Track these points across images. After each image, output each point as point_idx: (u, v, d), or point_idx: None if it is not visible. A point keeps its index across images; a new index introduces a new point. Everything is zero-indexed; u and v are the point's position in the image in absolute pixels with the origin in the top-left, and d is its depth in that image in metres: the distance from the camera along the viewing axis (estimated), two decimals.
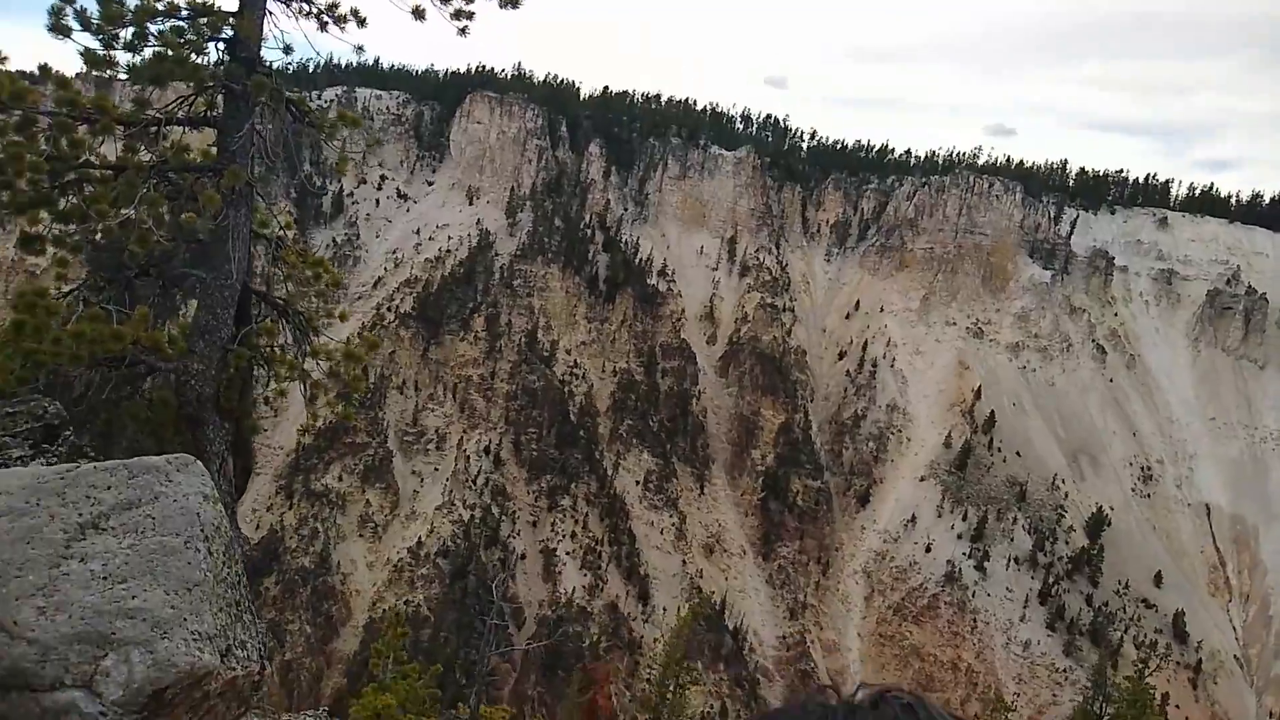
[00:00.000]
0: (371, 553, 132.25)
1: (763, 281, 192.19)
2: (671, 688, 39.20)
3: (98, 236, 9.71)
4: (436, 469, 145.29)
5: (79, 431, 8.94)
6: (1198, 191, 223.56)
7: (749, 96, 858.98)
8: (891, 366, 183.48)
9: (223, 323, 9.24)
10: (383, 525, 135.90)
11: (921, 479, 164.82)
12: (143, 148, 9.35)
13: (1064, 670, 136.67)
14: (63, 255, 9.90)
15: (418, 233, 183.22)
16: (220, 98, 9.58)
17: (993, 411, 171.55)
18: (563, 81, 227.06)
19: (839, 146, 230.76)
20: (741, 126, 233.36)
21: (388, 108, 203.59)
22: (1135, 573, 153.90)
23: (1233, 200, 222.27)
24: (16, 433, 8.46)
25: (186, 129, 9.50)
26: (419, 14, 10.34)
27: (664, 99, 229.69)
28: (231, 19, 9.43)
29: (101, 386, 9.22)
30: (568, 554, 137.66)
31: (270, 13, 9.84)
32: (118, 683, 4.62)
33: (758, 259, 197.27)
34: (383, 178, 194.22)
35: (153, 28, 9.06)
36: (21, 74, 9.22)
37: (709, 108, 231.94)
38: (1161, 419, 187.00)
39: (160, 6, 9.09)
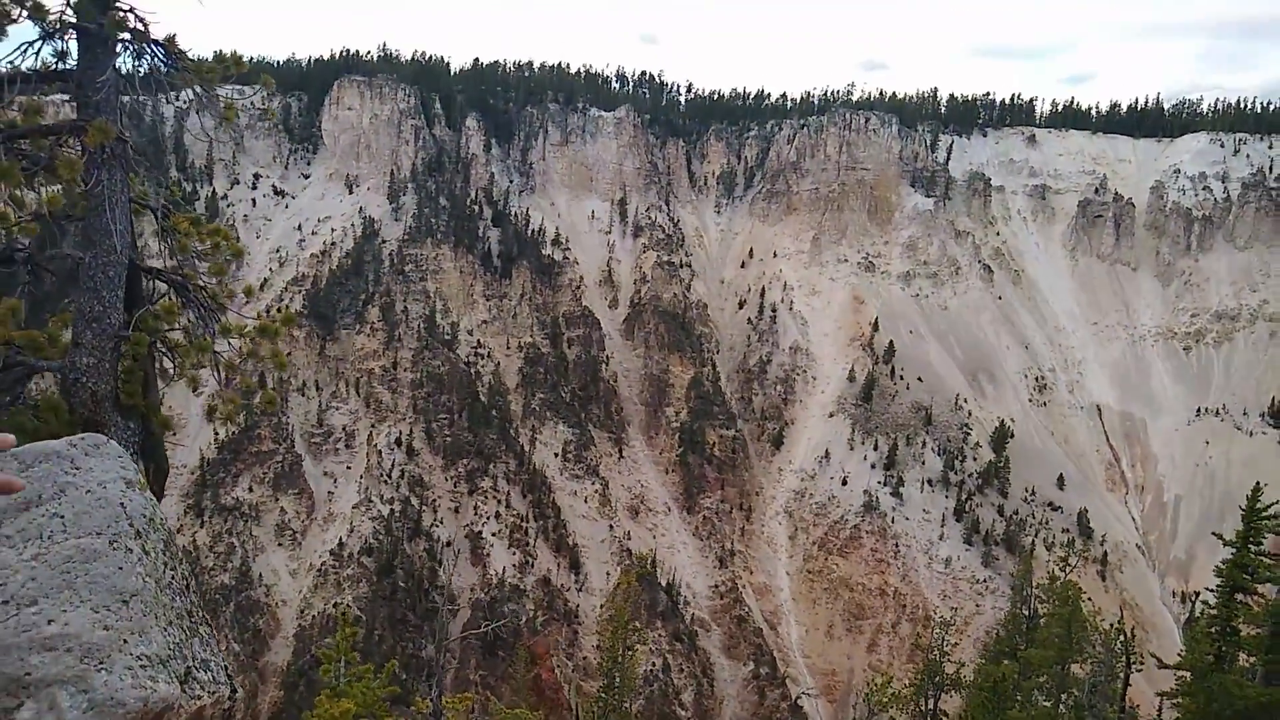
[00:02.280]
0: (293, 560, 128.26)
1: (657, 240, 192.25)
2: (620, 650, 38.94)
3: None
4: (349, 467, 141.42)
5: None
6: (1061, 107, 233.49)
7: (623, 55, 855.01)
8: (790, 309, 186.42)
9: (111, 307, 7.81)
10: (301, 531, 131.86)
11: (831, 415, 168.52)
12: None
13: (984, 580, 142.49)
14: None
15: (299, 228, 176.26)
16: (73, 43, 8.22)
17: (891, 341, 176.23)
18: (431, 58, 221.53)
19: (716, 97, 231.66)
20: (618, 86, 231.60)
21: (252, 103, 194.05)
22: (1040, 478, 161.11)
23: (1094, 112, 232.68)
24: None
25: (36, 87, 8.04)
26: None
27: (537, 65, 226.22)
28: None
29: None
30: (494, 535, 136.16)
31: None
32: None
33: (649, 218, 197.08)
34: (256, 175, 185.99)
35: None
36: None
37: (583, 70, 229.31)
38: (1050, 329, 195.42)
39: None
